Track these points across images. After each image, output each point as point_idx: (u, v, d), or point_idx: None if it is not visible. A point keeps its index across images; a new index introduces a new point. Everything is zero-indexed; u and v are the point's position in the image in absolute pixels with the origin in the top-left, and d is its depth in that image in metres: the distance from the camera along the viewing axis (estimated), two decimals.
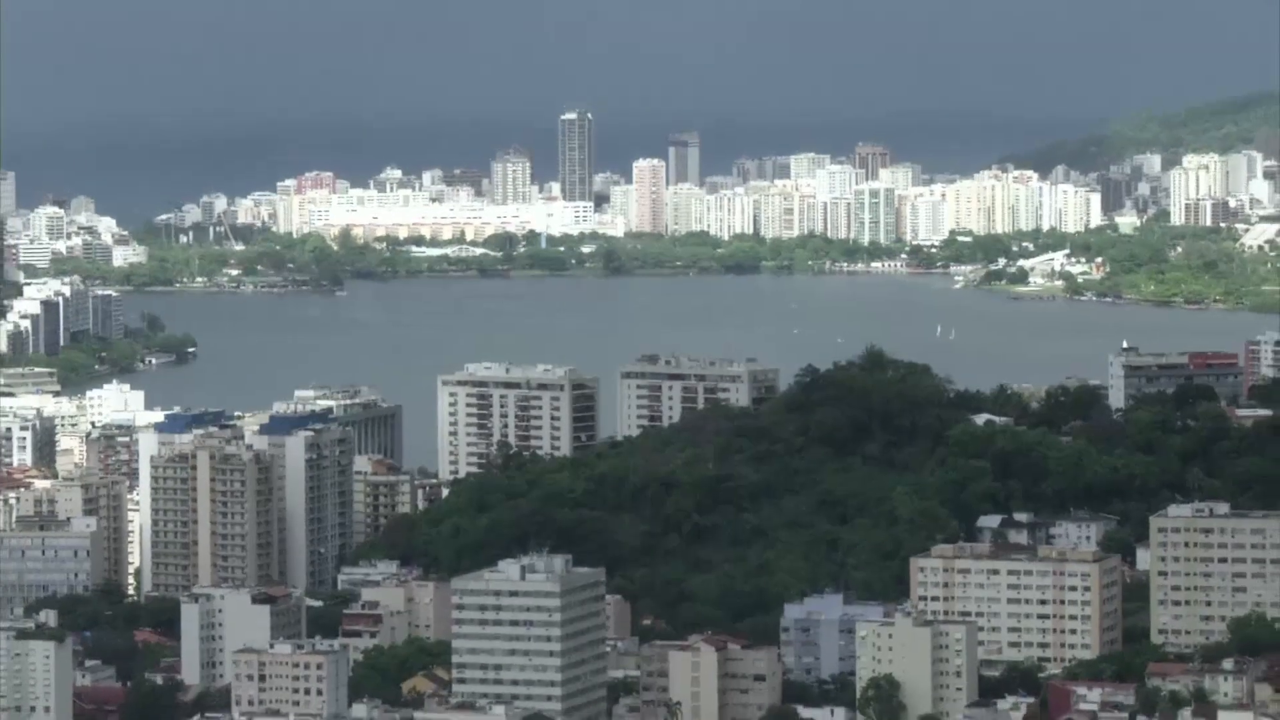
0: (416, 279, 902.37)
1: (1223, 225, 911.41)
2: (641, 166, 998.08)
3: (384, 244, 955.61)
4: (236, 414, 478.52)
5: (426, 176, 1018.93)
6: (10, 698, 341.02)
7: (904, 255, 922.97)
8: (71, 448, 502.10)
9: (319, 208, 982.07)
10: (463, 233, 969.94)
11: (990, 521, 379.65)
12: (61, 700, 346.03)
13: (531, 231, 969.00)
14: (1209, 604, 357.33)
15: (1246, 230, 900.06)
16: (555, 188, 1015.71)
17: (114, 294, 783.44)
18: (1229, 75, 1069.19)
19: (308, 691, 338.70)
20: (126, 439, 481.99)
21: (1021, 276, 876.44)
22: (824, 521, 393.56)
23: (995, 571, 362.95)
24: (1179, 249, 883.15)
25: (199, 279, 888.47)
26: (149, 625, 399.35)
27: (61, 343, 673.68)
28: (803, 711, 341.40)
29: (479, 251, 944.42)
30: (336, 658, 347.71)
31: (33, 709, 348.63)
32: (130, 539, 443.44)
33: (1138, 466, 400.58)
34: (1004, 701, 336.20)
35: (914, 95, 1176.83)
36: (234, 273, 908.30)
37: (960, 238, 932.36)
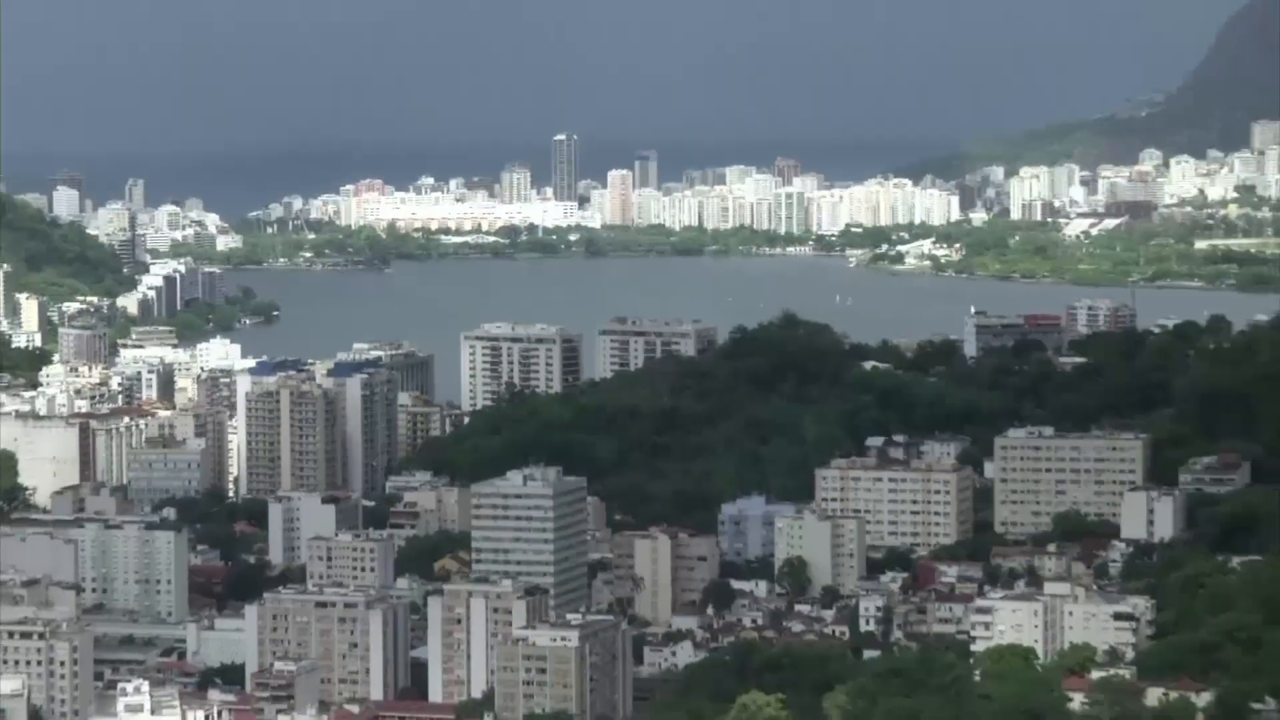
0: (445, 260, 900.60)
1: (1049, 219, 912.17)
2: (614, 175, 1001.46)
3: (420, 233, 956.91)
4: (310, 361, 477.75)
5: (452, 183, 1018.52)
6: (142, 574, 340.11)
7: (811, 242, 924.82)
8: (186, 386, 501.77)
9: (371, 206, 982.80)
10: (479, 225, 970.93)
11: (875, 442, 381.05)
12: (180, 576, 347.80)
13: (531, 224, 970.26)
14: (1038, 503, 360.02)
15: (1067, 223, 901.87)
16: (549, 191, 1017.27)
17: (217, 271, 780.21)
18: (1055, 106, 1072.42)
19: (363, 569, 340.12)
20: (227, 380, 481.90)
21: (899, 258, 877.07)
22: (750, 442, 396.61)
23: (879, 479, 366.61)
24: (1017, 237, 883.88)
25: (281, 260, 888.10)
26: (244, 519, 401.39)
27: (178, 308, 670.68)
28: (735, 584, 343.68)
29: (491, 239, 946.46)
30: (385, 544, 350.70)
31: (158, 583, 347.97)
32: (230, 455, 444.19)
33: (985, 400, 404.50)
34: (885, 576, 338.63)
35: (819, 119, 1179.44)
36: (307, 255, 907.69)
37: (853, 229, 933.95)
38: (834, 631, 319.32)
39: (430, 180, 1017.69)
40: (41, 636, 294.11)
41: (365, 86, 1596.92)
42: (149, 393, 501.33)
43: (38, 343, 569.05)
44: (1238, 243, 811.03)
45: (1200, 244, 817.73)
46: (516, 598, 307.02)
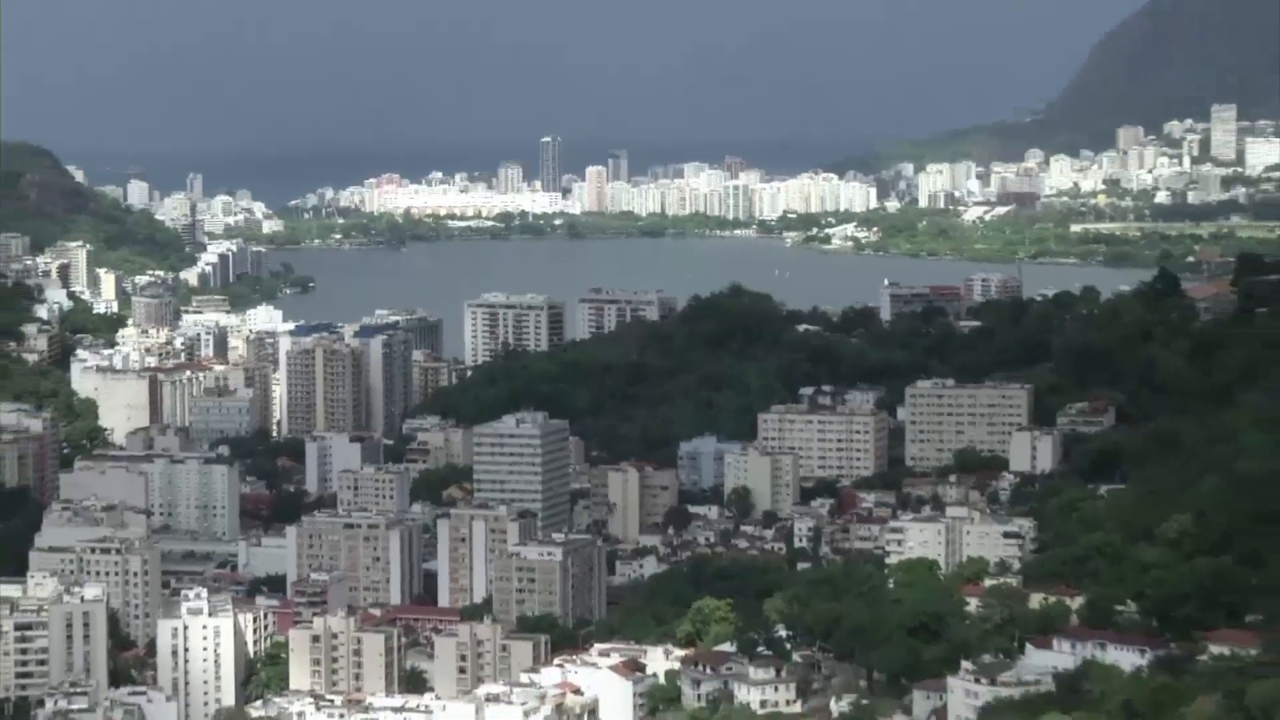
0: (451, 241, 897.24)
1: (950, 207, 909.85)
2: (591, 170, 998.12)
3: (430, 219, 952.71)
4: (339, 325, 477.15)
5: (457, 177, 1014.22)
6: (200, 501, 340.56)
7: (753, 226, 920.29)
8: (237, 345, 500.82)
9: (390, 196, 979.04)
10: (479, 212, 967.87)
11: (807, 391, 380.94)
12: (232, 502, 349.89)
13: (522, 211, 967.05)
14: (941, 441, 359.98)
15: (965, 210, 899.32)
16: (538, 184, 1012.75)
17: (263, 250, 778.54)
18: (956, 113, 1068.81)
19: (384, 496, 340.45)
20: (271, 340, 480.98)
21: (827, 239, 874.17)
22: (704, 391, 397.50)
23: (810, 422, 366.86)
24: (924, 222, 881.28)
25: (316, 241, 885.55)
26: (285, 455, 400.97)
27: (230, 280, 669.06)
28: (691, 509, 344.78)
29: (489, 224, 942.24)
30: (402, 475, 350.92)
31: (214, 508, 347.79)
32: (273, 402, 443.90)
33: (898, 357, 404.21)
34: (815, 502, 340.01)
35: (761, 123, 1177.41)
36: (337, 237, 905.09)
37: (789, 215, 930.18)
38: (773, 548, 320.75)
39: (439, 175, 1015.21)
40: (118, 552, 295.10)
41: (382, 94, 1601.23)
42: (206, 351, 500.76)
43: (115, 309, 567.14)
44: (1105, 227, 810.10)
45: (1075, 228, 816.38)
46: (510, 520, 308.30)
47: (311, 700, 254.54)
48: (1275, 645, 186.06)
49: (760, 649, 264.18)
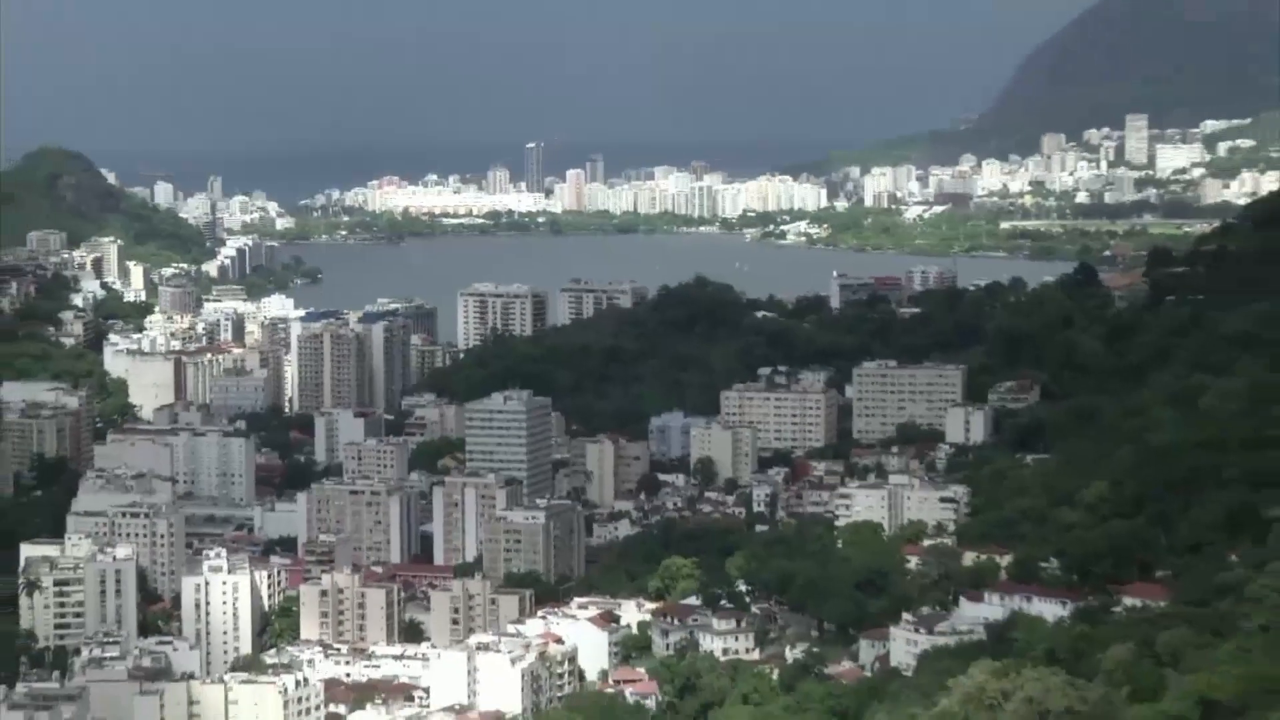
0: (445, 237, 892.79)
1: (893, 206, 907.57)
2: (571, 173, 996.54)
3: (426, 217, 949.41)
4: (345, 312, 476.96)
5: (450, 179, 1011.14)
6: (220, 470, 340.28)
7: (716, 224, 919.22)
8: (253, 330, 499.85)
9: (390, 196, 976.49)
10: (470, 210, 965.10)
11: (764, 371, 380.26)
12: (249, 471, 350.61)
13: (509, 210, 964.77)
14: (884, 416, 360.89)
15: (906, 209, 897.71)
16: (523, 185, 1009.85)
17: (276, 245, 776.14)
18: (898, 122, 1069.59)
19: (385, 466, 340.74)
20: (284, 325, 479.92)
21: (782, 235, 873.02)
22: (673, 371, 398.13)
23: (767, 398, 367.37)
24: (869, 220, 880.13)
25: (323, 236, 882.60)
26: (296, 429, 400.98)
27: (247, 272, 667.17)
28: (660, 477, 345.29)
29: (479, 221, 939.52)
30: (401, 447, 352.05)
31: (232, 476, 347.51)
32: (286, 381, 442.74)
33: (846, 340, 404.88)
34: (771, 470, 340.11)
35: (724, 130, 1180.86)
36: (343, 233, 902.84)
37: (748, 213, 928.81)
38: (734, 512, 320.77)
39: (434, 177, 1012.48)
40: (146, 516, 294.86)
41: (381, 102, 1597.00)
42: (225, 335, 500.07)
43: (143, 298, 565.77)
44: (1031, 224, 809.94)
45: (1004, 225, 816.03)
46: (499, 487, 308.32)
47: (320, 649, 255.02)
48: (1181, 597, 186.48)
49: (722, 603, 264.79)
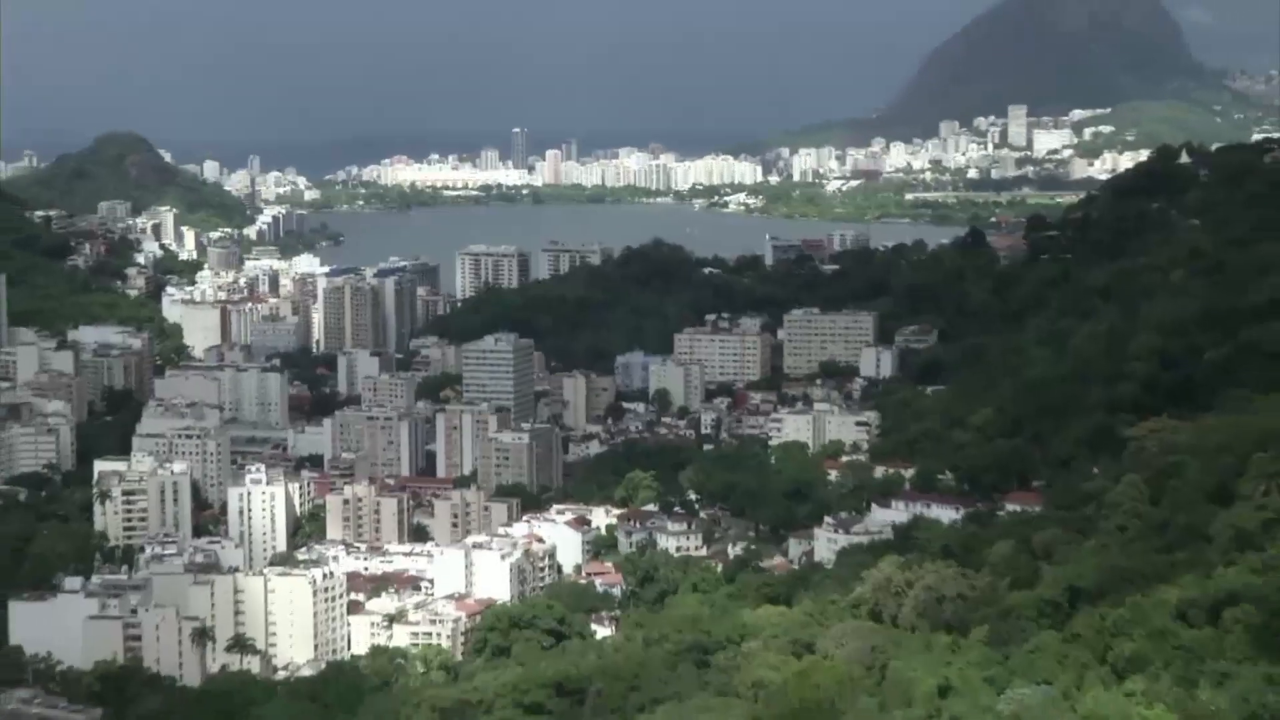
0: (445, 206, 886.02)
1: (817, 180, 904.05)
2: (550, 153, 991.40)
3: (430, 189, 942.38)
4: (362, 268, 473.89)
5: (450, 157, 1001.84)
6: (259, 399, 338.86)
7: (670, 195, 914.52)
8: (286, 284, 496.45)
9: (400, 172, 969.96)
10: (467, 184, 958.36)
11: (711, 318, 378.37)
12: (283, 400, 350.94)
13: (499, 184, 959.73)
14: (810, 355, 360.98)
15: (828, 183, 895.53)
16: (510, 163, 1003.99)
17: (304, 213, 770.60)
18: (821, 109, 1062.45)
19: (396, 396, 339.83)
20: (312, 279, 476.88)
21: (725, 205, 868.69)
22: (634, 318, 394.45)
23: (712, 340, 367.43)
24: (797, 192, 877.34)
25: (344, 205, 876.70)
26: (322, 365, 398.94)
27: (280, 235, 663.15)
28: (625, 405, 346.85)
29: (474, 193, 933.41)
30: (409, 380, 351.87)
31: (269, 405, 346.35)
32: (313, 326, 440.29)
33: (779, 293, 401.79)
34: (716, 399, 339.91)
35: (675, 117, 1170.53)
36: (360, 203, 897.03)
37: (697, 186, 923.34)
38: (685, 434, 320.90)
39: (436, 156, 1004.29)
40: (198, 437, 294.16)
41: (392, 91, 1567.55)
42: (263, 288, 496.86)
43: (194, 257, 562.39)
44: (930, 196, 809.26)
45: (908, 196, 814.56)
46: (490, 413, 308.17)
47: (342, 547, 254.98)
48: (1053, 503, 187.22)
49: (676, 509, 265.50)
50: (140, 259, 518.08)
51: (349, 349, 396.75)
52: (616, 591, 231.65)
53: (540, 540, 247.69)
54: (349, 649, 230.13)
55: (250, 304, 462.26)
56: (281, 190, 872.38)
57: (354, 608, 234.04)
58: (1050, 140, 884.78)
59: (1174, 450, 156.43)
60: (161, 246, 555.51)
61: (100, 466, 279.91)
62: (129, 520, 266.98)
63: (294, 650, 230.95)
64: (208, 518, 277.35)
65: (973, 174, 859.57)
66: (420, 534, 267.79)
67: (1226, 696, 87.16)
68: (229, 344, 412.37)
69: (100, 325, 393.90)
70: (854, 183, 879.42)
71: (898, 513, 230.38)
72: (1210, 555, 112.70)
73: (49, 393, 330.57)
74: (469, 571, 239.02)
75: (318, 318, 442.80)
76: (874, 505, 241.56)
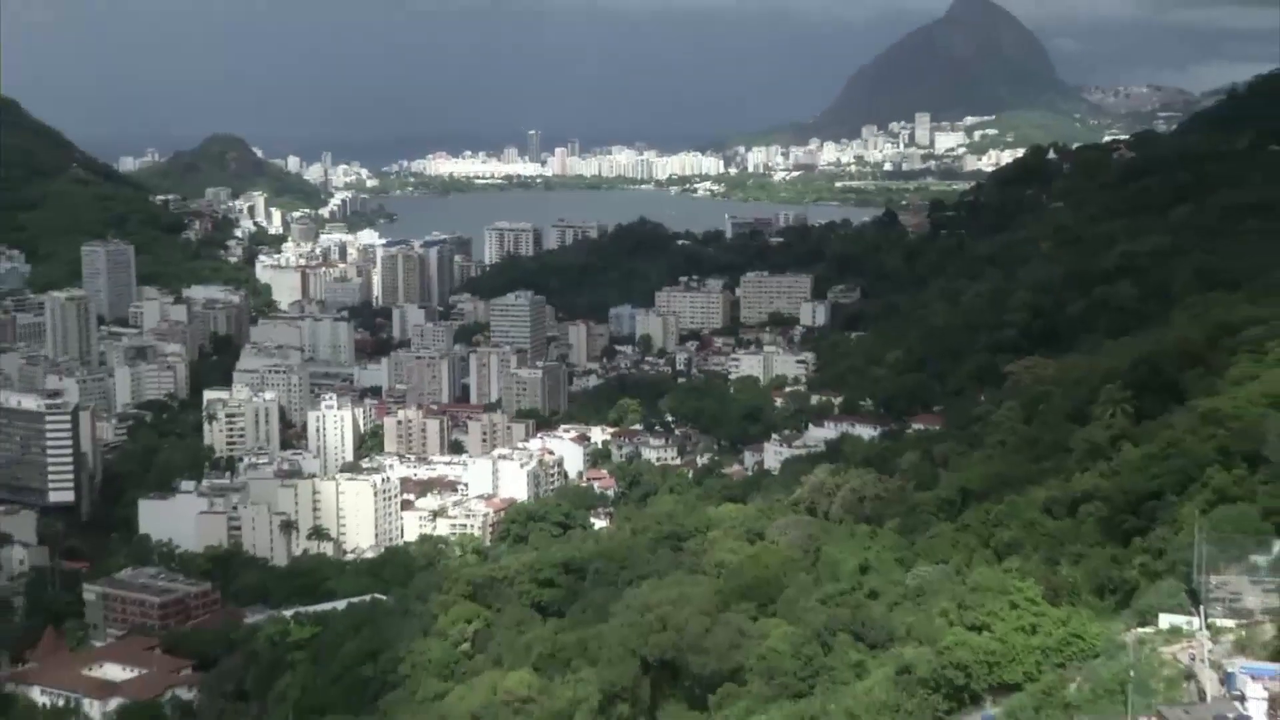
0: (476, 192, 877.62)
1: (766, 171, 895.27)
2: (559, 150, 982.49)
3: (465, 179, 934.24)
4: (412, 240, 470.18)
5: (480, 153, 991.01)
6: (331, 342, 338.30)
7: (652, 184, 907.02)
8: (352, 252, 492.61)
9: (441, 164, 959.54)
10: (493, 175, 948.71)
11: (683, 279, 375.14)
12: (349, 343, 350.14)
13: (518, 174, 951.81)
14: (760, 308, 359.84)
15: (775, 173, 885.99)
16: (527, 157, 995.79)
17: (366, 196, 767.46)
18: (769, 117, 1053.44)
19: (438, 340, 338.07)
20: (372, 249, 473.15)
21: (695, 191, 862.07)
22: (624, 279, 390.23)
23: (684, 296, 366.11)
24: (751, 181, 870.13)
25: (398, 191, 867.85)
26: (381, 316, 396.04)
27: (348, 215, 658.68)
28: (617, 348, 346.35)
29: (499, 182, 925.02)
30: (448, 328, 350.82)
31: (339, 347, 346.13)
32: (374, 285, 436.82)
33: (736, 259, 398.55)
34: (688, 342, 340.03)
35: (656, 120, 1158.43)
36: (411, 189, 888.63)
37: (674, 176, 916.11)
38: (664, 369, 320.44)
39: (469, 152, 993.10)
40: (284, 372, 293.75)
41: (434, 98, 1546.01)
42: (334, 256, 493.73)
43: (280, 232, 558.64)
44: (854, 184, 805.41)
45: (838, 184, 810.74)
46: (512, 354, 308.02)
47: (396, 458, 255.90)
48: (949, 424, 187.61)
49: (656, 428, 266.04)
50: (238, 233, 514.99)
51: (401, 303, 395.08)
52: (610, 493, 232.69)
53: (551, 453, 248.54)
54: (402, 536, 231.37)
55: (324, 268, 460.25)
56: (348, 179, 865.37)
57: (405, 505, 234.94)
58: (948, 140, 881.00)
59: (1042, 382, 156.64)
60: (255, 224, 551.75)
61: (208, 395, 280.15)
62: (230, 437, 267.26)
63: (359, 537, 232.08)
64: (291, 435, 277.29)
65: (887, 167, 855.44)
66: (457, 447, 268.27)
67: (1080, 572, 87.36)
68: (307, 299, 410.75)
69: (207, 285, 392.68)
70: (795, 173, 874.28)
71: (829, 431, 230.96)
72: (1069, 464, 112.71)
73: (168, 337, 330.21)
74: (495, 477, 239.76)
75: (377, 279, 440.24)
76: (810, 425, 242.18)
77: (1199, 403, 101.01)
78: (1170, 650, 68.16)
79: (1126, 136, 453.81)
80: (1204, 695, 61.59)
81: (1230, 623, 70.40)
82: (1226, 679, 60.03)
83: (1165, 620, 72.53)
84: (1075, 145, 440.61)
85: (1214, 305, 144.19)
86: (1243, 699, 55.46)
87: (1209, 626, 70.03)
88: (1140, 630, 72.89)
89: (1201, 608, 72.86)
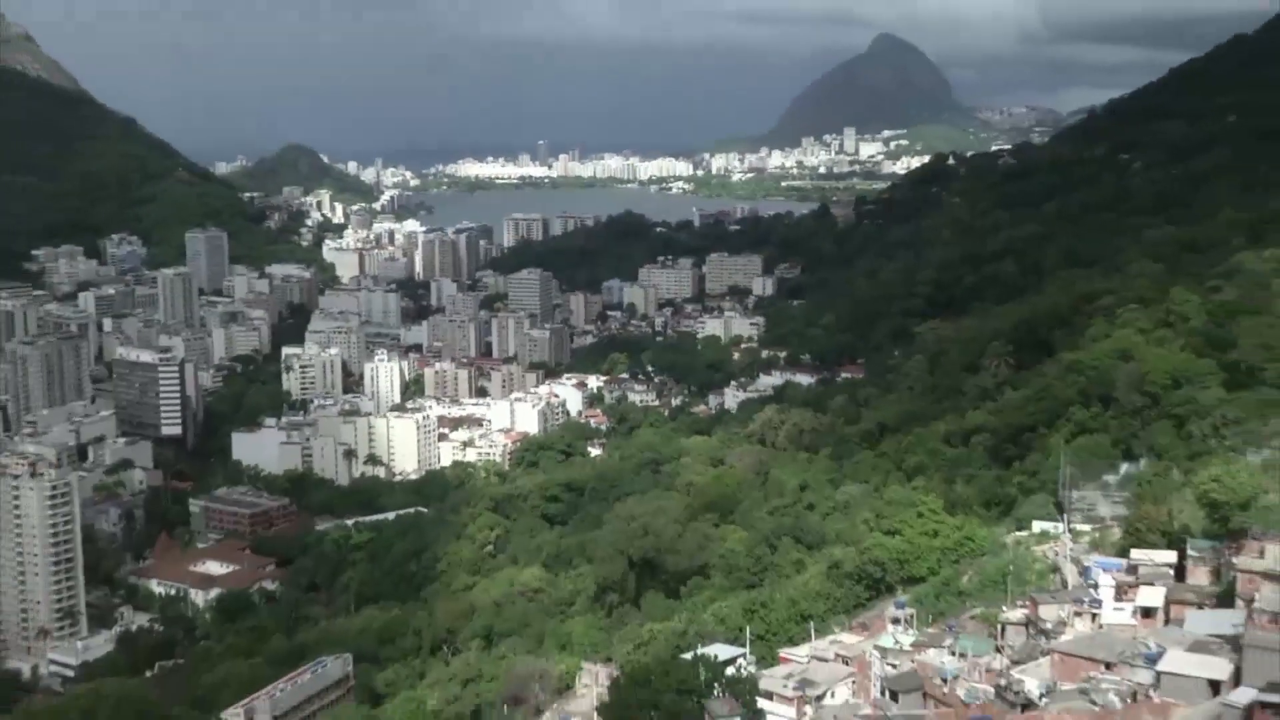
0: (497, 190, 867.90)
1: (726, 173, 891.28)
2: (563, 156, 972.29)
3: (488, 179, 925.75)
4: (446, 228, 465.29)
5: (500, 158, 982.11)
6: (382, 310, 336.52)
7: (636, 183, 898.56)
8: (400, 238, 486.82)
9: (469, 168, 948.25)
10: (510, 176, 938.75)
11: (661, 258, 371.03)
12: (396, 309, 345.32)
13: (530, 175, 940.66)
14: (722, 281, 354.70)
15: (733, 175, 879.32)
16: (537, 162, 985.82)
17: (409, 194, 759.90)
18: (728, 129, 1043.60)
19: (467, 307, 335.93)
20: (414, 235, 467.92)
21: (669, 189, 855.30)
22: (613, 259, 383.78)
23: (663, 271, 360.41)
24: (715, 181, 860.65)
25: (434, 190, 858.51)
26: (421, 288, 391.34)
27: (396, 208, 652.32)
28: (609, 313, 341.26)
29: (514, 182, 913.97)
30: (475, 297, 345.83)
31: (389, 312, 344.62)
32: (416, 264, 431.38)
33: (703, 243, 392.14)
34: (664, 308, 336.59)
35: (638, 131, 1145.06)
36: (445, 188, 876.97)
37: (654, 177, 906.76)
38: (646, 330, 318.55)
39: (490, 157, 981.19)
40: (346, 332, 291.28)
41: (464, 115, 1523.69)
42: (385, 240, 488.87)
43: (342, 222, 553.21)
44: (797, 184, 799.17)
45: (783, 184, 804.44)
46: (525, 318, 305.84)
47: (434, 400, 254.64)
48: (869, 373, 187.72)
49: (639, 376, 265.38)
50: (308, 223, 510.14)
51: (437, 278, 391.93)
52: (603, 427, 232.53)
53: (556, 396, 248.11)
54: (439, 462, 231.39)
55: (376, 250, 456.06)
56: (395, 179, 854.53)
57: (441, 437, 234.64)
58: (869, 149, 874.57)
59: (943, 340, 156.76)
60: (321, 215, 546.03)
61: (286, 350, 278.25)
62: (303, 384, 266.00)
63: (405, 463, 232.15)
64: (351, 382, 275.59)
65: (822, 170, 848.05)
66: (482, 392, 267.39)
67: (972, 489, 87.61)
68: (363, 275, 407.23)
69: (284, 264, 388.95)
70: (749, 175, 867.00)
71: (775, 379, 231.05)
72: (963, 404, 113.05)
73: (254, 305, 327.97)
74: (512, 415, 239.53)
75: (418, 259, 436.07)
76: (761, 374, 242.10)
77: (1064, 356, 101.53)
78: (1040, 549, 68.73)
79: (1009, 147, 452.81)
80: (1066, 584, 62.07)
81: (1087, 527, 70.99)
82: (1084, 571, 60.46)
83: (1037, 526, 73.07)
84: (969, 154, 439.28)
85: (1076, 280, 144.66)
86: (1096, 586, 56.02)
87: (1070, 531, 70.58)
88: (1017, 534, 73.41)
89: (1065, 516, 73.43)
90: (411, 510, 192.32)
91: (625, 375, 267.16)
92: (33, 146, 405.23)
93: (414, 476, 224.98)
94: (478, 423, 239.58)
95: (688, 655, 62.20)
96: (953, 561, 70.39)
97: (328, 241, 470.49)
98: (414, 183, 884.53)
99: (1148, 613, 52.81)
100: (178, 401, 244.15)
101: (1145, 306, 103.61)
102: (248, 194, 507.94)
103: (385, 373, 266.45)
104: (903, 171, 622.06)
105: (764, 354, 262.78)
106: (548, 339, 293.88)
